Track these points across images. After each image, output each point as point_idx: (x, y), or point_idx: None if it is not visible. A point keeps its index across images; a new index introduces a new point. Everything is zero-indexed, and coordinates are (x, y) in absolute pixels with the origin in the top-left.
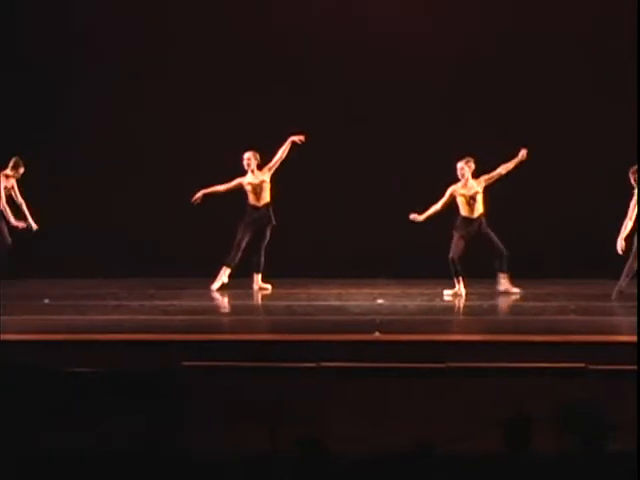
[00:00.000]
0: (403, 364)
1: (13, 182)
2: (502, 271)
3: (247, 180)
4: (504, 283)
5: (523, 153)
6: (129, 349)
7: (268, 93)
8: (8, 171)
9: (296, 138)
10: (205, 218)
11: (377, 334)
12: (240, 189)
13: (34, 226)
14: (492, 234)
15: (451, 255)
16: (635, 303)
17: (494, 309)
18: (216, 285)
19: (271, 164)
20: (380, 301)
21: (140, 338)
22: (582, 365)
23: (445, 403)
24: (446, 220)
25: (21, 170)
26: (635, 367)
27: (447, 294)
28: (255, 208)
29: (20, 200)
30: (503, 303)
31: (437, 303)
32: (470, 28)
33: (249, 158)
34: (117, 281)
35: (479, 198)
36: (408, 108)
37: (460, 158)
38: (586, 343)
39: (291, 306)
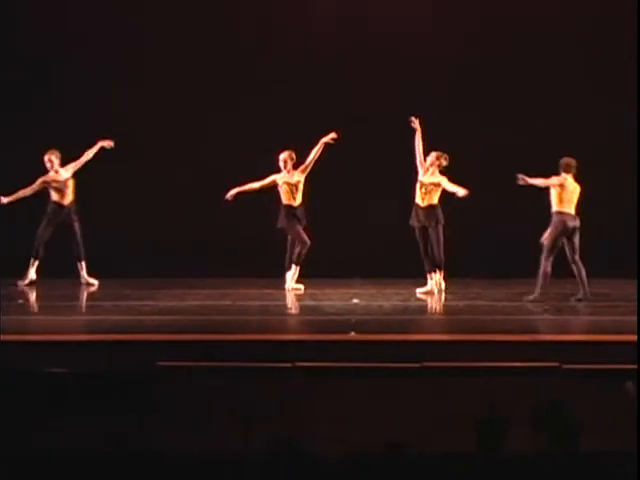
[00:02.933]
0: (379, 364)
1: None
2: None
3: (284, 179)
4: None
5: None
6: (103, 349)
7: (268, 93)
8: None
9: (327, 138)
10: (192, 218)
11: (353, 334)
12: (274, 187)
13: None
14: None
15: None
16: (610, 303)
17: (469, 309)
18: (291, 284)
19: (305, 165)
20: (355, 301)
21: (115, 338)
22: (556, 364)
23: (420, 403)
24: None
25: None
26: (611, 366)
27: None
28: (291, 207)
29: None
30: (478, 303)
31: (413, 303)
32: (470, 28)
33: (285, 160)
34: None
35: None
36: (403, 108)
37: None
38: (560, 342)
39: (266, 306)
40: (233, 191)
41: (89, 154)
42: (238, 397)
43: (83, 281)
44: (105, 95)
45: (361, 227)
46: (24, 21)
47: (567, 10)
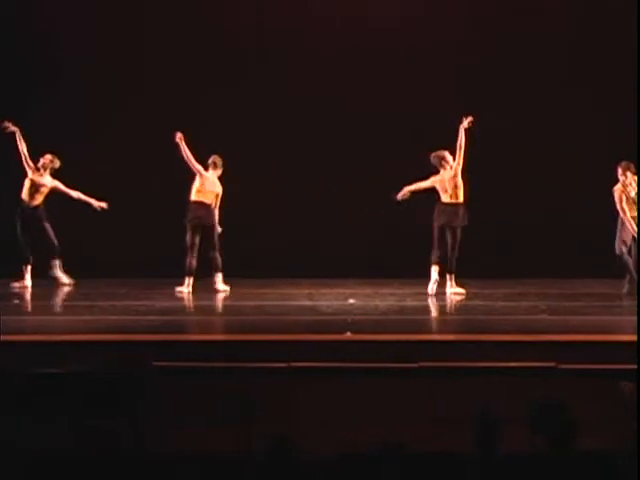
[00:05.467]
0: (375, 364)
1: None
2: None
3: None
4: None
5: None
6: (100, 349)
7: (266, 91)
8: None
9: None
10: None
11: (349, 334)
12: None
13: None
14: None
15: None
16: (607, 303)
17: (466, 309)
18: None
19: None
20: (351, 301)
21: (111, 338)
22: (553, 364)
23: (417, 403)
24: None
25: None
26: (607, 366)
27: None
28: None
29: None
30: (475, 303)
31: (409, 303)
32: (470, 27)
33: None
34: (89, 281)
35: None
36: (400, 110)
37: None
38: (557, 342)
39: (262, 306)
40: (405, 190)
41: (77, 195)
42: (234, 397)
43: (54, 275)
44: (104, 95)
45: (358, 227)
46: (23, 21)
47: (566, 10)
